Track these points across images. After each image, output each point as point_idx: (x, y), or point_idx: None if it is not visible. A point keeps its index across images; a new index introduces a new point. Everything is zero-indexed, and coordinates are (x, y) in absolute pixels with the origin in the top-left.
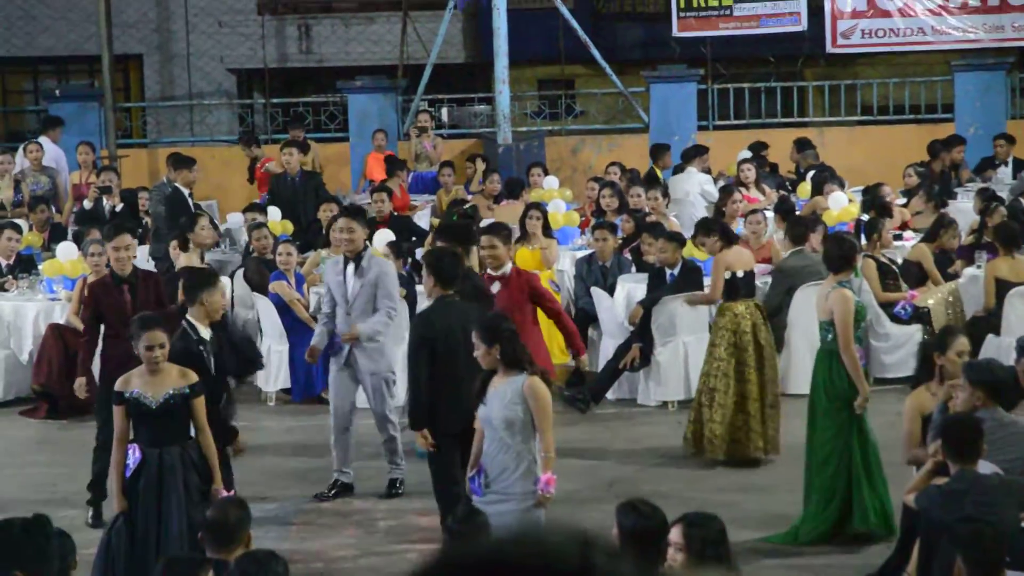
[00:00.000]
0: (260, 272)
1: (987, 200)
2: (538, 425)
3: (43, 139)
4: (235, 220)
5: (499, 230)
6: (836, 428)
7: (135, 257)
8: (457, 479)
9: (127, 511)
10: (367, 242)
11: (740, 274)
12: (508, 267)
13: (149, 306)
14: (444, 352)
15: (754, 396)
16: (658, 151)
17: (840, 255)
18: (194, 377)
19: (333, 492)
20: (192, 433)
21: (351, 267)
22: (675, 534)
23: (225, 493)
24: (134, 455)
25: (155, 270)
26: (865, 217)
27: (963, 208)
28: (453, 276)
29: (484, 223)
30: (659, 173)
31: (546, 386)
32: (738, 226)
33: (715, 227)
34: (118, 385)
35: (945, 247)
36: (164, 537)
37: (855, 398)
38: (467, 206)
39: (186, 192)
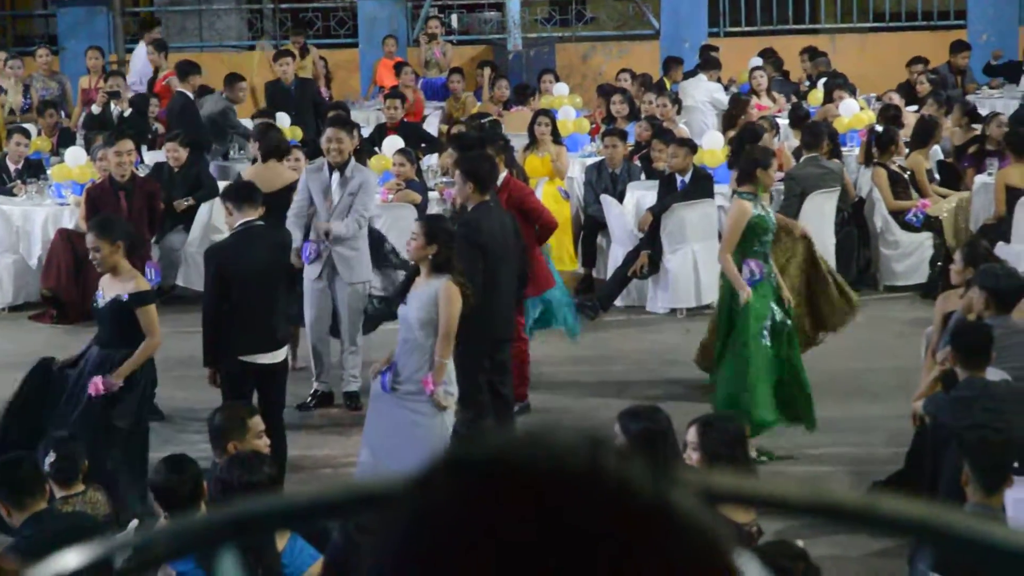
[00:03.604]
0: None
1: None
2: (440, 328)
3: (140, 48)
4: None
5: (491, 140)
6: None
7: (133, 162)
8: (482, 386)
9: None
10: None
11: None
12: (500, 177)
13: (142, 213)
14: (485, 259)
15: None
16: (670, 64)
17: (744, 168)
18: (142, 287)
19: (313, 402)
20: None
21: (336, 175)
22: (691, 434)
23: (103, 385)
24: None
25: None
26: (878, 127)
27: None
28: (492, 181)
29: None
30: (668, 85)
31: (461, 295)
32: None
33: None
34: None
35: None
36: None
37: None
38: (488, 119)
39: (191, 97)
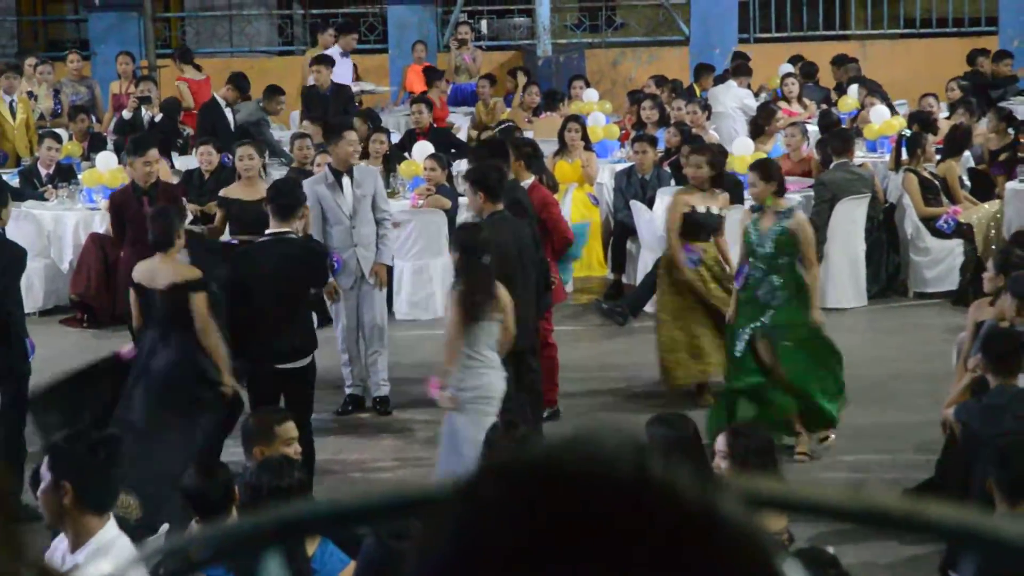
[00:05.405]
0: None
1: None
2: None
3: (334, 49)
4: (275, 131)
5: (519, 146)
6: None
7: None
8: (510, 397)
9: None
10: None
11: (702, 210)
12: (525, 184)
13: None
14: (499, 269)
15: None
16: (701, 71)
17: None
18: (181, 278)
19: (350, 407)
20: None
21: (346, 179)
22: (720, 443)
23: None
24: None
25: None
26: (907, 132)
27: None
28: (502, 189)
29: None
30: (698, 92)
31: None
32: (777, 140)
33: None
34: None
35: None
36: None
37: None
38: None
39: (223, 104)
